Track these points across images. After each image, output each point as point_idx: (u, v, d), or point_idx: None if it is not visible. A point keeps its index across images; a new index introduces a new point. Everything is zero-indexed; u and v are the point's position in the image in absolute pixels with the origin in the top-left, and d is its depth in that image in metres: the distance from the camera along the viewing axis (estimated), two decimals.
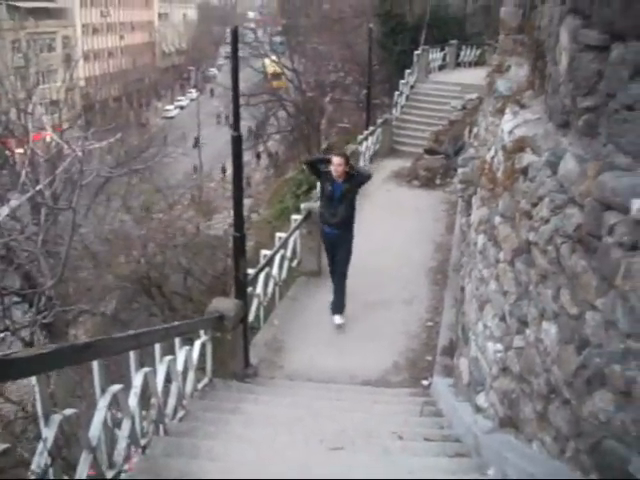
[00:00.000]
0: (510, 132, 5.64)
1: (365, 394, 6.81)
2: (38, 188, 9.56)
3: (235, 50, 5.94)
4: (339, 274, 8.71)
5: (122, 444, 3.62)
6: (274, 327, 8.66)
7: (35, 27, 52.84)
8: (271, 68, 44.61)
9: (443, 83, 22.35)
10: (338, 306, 8.75)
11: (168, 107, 70.65)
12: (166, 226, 13.16)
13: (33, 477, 2.49)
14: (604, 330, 3.35)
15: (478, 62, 25.08)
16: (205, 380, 6.33)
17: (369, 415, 5.75)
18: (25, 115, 20.91)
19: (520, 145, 5.26)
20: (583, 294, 3.60)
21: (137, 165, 16.57)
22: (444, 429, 5.44)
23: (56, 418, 2.71)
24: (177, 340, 5.27)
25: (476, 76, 17.19)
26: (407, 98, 22.36)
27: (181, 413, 5.24)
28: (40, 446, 2.60)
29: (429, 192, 15.02)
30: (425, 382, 7.18)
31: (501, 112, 7.07)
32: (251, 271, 7.80)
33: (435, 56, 24.72)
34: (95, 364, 3.24)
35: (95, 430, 3.16)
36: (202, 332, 6.22)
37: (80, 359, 3.14)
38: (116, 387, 3.50)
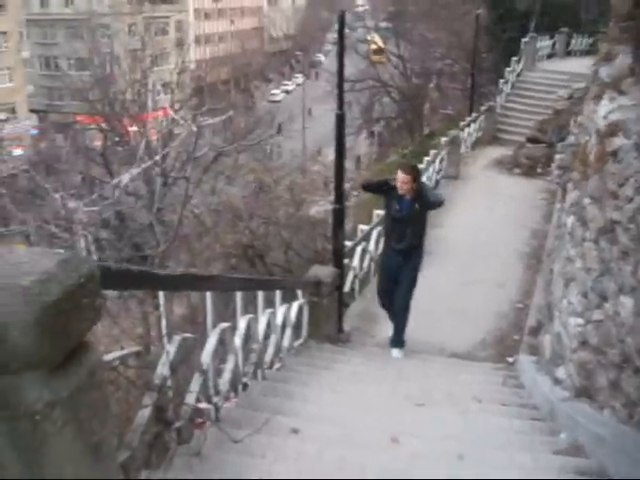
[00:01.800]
0: (605, 117, 5.79)
1: (451, 364, 7.13)
2: (156, 159, 10.31)
3: (341, 30, 6.33)
4: (400, 307, 7.39)
5: (226, 376, 4.11)
6: (367, 300, 9.06)
7: (151, 12, 54.94)
8: (374, 45, 45.05)
9: (551, 72, 22.00)
10: (397, 341, 7.50)
11: (274, 91, 71.84)
12: (270, 200, 13.80)
13: (157, 381, 2.98)
14: None
15: (590, 51, 24.42)
16: (301, 340, 6.81)
17: (453, 381, 6.07)
18: (140, 95, 22.09)
19: (613, 129, 5.42)
20: None
21: (246, 142, 17.30)
22: (523, 398, 5.70)
23: (177, 338, 3.22)
24: (277, 297, 5.75)
25: (586, 65, 16.89)
26: (513, 86, 22.17)
27: (278, 365, 5.72)
28: (163, 357, 3.10)
29: (529, 180, 15.04)
30: (510, 359, 7.41)
31: (599, 98, 7.17)
32: (349, 244, 8.22)
33: (543, 44, 24.33)
34: (208, 295, 3.72)
35: (206, 356, 3.66)
36: (300, 294, 6.70)
37: (198, 287, 3.64)
38: (225, 324, 3.99)
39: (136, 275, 2.55)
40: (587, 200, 5.58)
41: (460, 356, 7.56)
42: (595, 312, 4.77)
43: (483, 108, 19.86)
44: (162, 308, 3.12)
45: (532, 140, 16.56)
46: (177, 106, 24.12)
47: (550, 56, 25.02)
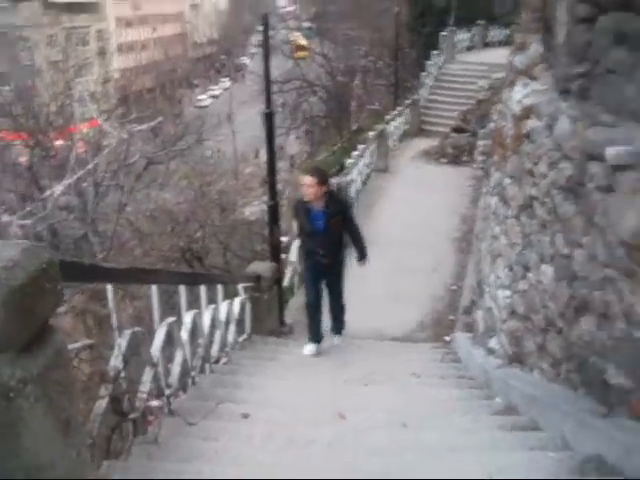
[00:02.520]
0: (519, 101, 6.14)
1: (391, 347, 7.42)
2: (88, 167, 10.30)
3: (266, 32, 6.53)
4: (338, 307, 7.18)
5: (176, 369, 4.25)
6: None
7: (71, 22, 53.95)
8: (297, 42, 45.77)
9: (470, 63, 22.70)
10: (337, 328, 7.32)
11: (201, 97, 71.41)
12: (205, 204, 13.91)
13: (111, 373, 3.12)
14: (588, 263, 3.89)
15: (507, 42, 25.28)
16: (244, 335, 6.97)
17: (393, 362, 6.34)
18: (64, 107, 21.74)
19: (527, 113, 5.77)
20: (572, 235, 4.14)
21: (177, 148, 17.30)
22: (460, 371, 6.01)
23: (127, 332, 3.35)
24: (220, 293, 5.91)
25: (503, 56, 17.50)
26: (435, 79, 22.77)
27: (224, 359, 5.87)
28: (116, 350, 3.23)
29: (456, 169, 15.54)
30: (447, 338, 7.75)
31: (513, 84, 7.56)
32: (285, 239, 8.41)
33: (462, 37, 25.05)
34: (154, 290, 3.86)
35: (156, 350, 3.80)
36: (241, 291, 6.86)
37: (144, 279, 3.78)
38: (171, 319, 4.14)
39: (87, 268, 2.69)
40: (507, 180, 5.93)
41: (399, 339, 7.86)
42: (520, 283, 5.10)
43: (408, 102, 20.36)
44: (111, 303, 3.25)
45: (456, 130, 17.10)
46: (104, 116, 23.86)
47: (469, 48, 25.77)
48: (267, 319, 7.50)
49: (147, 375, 3.70)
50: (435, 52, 23.28)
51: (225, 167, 21.45)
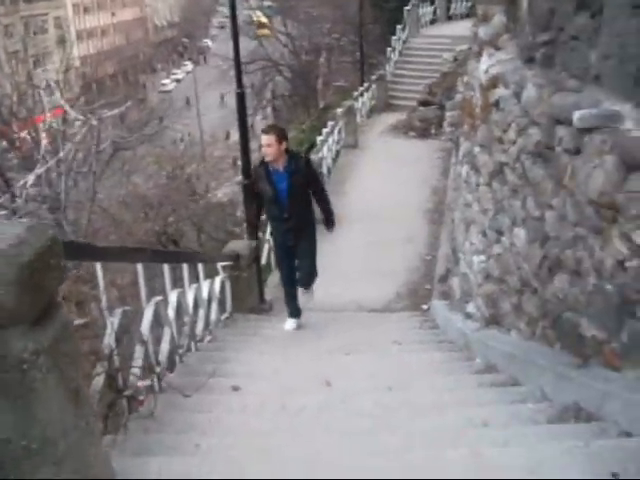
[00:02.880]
0: (486, 71, 6.27)
1: (370, 318, 7.58)
2: (59, 156, 10.26)
3: (233, 11, 6.57)
4: (309, 276, 6.76)
5: (164, 347, 4.35)
6: None
7: (28, 10, 52.97)
8: (258, 20, 45.63)
9: (434, 37, 22.81)
10: (308, 282, 6.87)
11: (165, 81, 70.71)
12: (178, 187, 13.95)
13: (106, 351, 3.21)
14: (558, 224, 4.04)
15: (470, 14, 25.37)
16: (226, 314, 7.07)
17: (373, 332, 6.50)
18: (26, 97, 21.44)
19: (494, 82, 5.91)
20: (543, 198, 4.29)
21: (146, 133, 17.25)
22: (439, 336, 6.18)
23: (118, 310, 3.45)
24: (201, 273, 6.00)
25: (466, 28, 17.66)
26: (400, 54, 22.85)
27: (208, 338, 5.97)
28: (108, 328, 3.32)
29: (425, 141, 15.71)
30: (424, 306, 7.92)
31: (479, 55, 7.69)
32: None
33: (425, 10, 25.14)
34: (140, 269, 3.94)
35: (145, 328, 3.89)
36: (221, 270, 6.96)
37: (129, 258, 3.86)
38: (158, 297, 4.23)
39: (78, 246, 2.77)
40: (477, 149, 6.07)
41: (378, 310, 8.02)
42: (494, 247, 5.26)
43: (374, 77, 20.45)
44: (101, 282, 3.33)
45: (423, 103, 17.26)
46: (68, 105, 23.54)
47: (433, 22, 25.87)
48: (247, 297, 7.60)
49: (138, 353, 3.79)
50: (399, 27, 23.31)
51: (194, 150, 21.40)
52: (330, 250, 9.50)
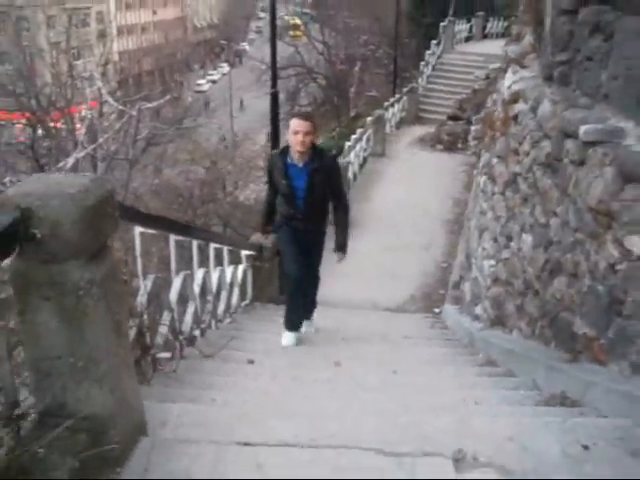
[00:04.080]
0: (509, 87, 6.60)
1: (385, 316, 7.90)
2: (99, 142, 10.71)
3: (273, 12, 6.95)
4: (313, 279, 5.98)
5: (188, 318, 4.71)
6: None
7: (73, 3, 53.88)
8: (291, 21, 46.35)
9: (468, 54, 23.11)
10: (310, 310, 6.17)
11: (200, 81, 71.35)
12: (209, 182, 14.37)
13: (138, 309, 3.57)
14: (561, 229, 4.35)
15: (505, 34, 25.64)
16: (247, 301, 7.42)
17: (386, 326, 6.82)
18: (66, 88, 22.05)
19: (515, 97, 6.23)
20: (549, 206, 4.60)
21: (183, 126, 17.72)
22: (448, 335, 6.49)
23: (151, 276, 3.81)
24: (225, 257, 6.36)
25: (500, 47, 17.99)
26: (433, 68, 23.19)
27: (228, 320, 6.32)
28: (142, 289, 3.68)
29: (451, 155, 16.02)
30: (437, 310, 8.23)
31: (505, 72, 8.01)
32: None
33: (461, 27, 25.45)
34: (172, 243, 4.29)
35: (173, 295, 4.25)
36: (244, 259, 7.31)
37: (164, 227, 4.20)
38: (186, 272, 4.59)
39: (123, 207, 3.12)
40: (495, 160, 6.39)
41: (392, 310, 8.34)
42: (504, 252, 5.57)
43: (405, 89, 20.81)
44: (138, 246, 3.69)
45: (452, 118, 17.58)
46: (110, 96, 24.10)
47: (468, 39, 26.17)
48: (267, 288, 7.94)
49: (165, 318, 4.14)
50: (434, 42, 23.66)
51: (226, 149, 21.90)
52: (350, 251, 9.81)
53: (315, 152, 5.35)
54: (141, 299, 3.64)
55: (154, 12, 75.35)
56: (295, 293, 5.65)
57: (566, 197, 4.28)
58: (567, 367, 3.89)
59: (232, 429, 2.77)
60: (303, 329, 5.87)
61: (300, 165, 5.34)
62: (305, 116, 5.48)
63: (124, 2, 70.29)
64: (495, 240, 5.89)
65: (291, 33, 43.55)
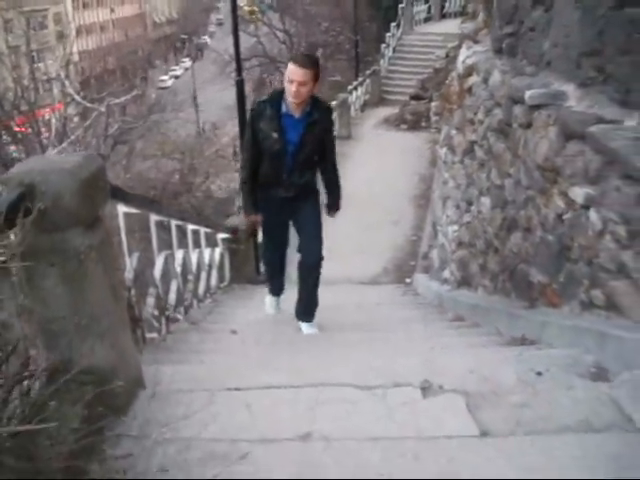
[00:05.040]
0: (463, 62, 6.93)
1: (358, 287, 8.24)
2: (71, 139, 10.89)
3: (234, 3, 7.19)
4: (312, 268, 5.14)
5: (172, 295, 4.99)
6: None
7: (30, 5, 53.27)
8: (246, 8, 46.44)
9: (428, 34, 23.45)
10: (308, 313, 5.19)
11: (163, 77, 70.94)
12: (180, 173, 14.61)
13: (126, 283, 3.84)
14: (514, 189, 4.69)
15: (463, 13, 25.98)
16: (225, 283, 7.71)
17: (360, 296, 7.15)
18: (29, 91, 22.04)
19: (469, 71, 6.57)
20: (503, 168, 4.94)
21: (149, 121, 17.91)
22: (419, 300, 6.84)
23: (135, 254, 4.08)
24: (203, 240, 6.63)
25: (459, 26, 18.38)
26: (394, 50, 23.50)
27: (209, 300, 6.61)
28: (128, 266, 3.95)
29: (415, 134, 16.39)
30: (408, 280, 8.58)
31: (460, 48, 8.36)
32: None
33: (420, 8, 25.77)
34: (152, 223, 4.56)
35: (157, 272, 4.53)
36: (220, 242, 7.59)
37: (145, 206, 4.45)
38: (167, 252, 4.87)
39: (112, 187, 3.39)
40: (454, 131, 6.72)
41: (366, 283, 8.67)
42: (465, 216, 5.91)
43: (368, 72, 21.12)
44: (122, 224, 3.95)
45: (415, 97, 17.95)
46: (72, 97, 24.08)
47: (427, 19, 26.48)
48: (244, 269, 8.23)
49: (151, 294, 4.42)
50: (393, 24, 23.97)
51: (194, 141, 22.10)
52: (324, 230, 10.11)
53: (314, 102, 4.61)
54: (128, 275, 3.91)
55: (112, 10, 74.67)
56: (270, 275, 5.62)
57: (517, 158, 4.62)
58: (525, 313, 4.23)
59: (222, 381, 3.06)
60: (304, 329, 5.05)
61: (296, 116, 4.55)
62: (302, 61, 4.42)
63: (81, 2, 69.55)
64: (457, 206, 6.23)
65: (247, 18, 43.47)
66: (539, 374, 3.08)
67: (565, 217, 3.86)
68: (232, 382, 3.00)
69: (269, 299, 5.72)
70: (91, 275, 2.47)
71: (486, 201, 5.32)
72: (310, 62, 4.45)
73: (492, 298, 5.02)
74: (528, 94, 4.38)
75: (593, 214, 3.48)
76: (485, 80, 5.66)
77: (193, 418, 2.68)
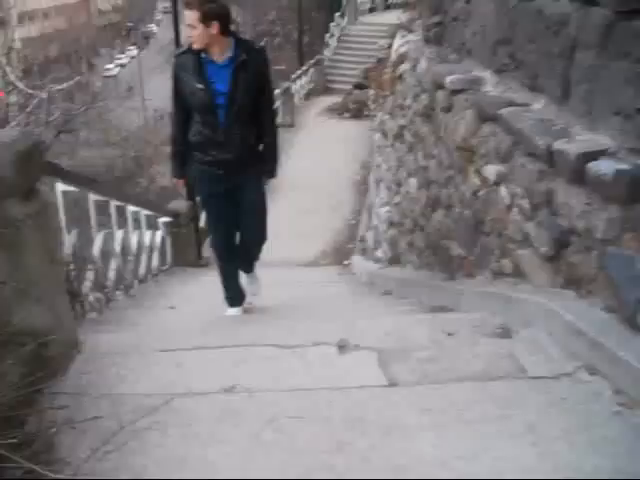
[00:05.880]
0: (396, 50, 7.21)
1: (296, 269, 8.49)
2: (12, 125, 10.85)
3: None
4: (256, 245, 4.89)
5: (112, 274, 5.16)
6: None
7: None
8: None
9: (372, 24, 23.78)
10: (249, 266, 5.08)
11: (109, 66, 69.76)
12: (123, 161, 14.66)
13: (67, 259, 4.01)
14: (437, 169, 4.99)
15: (407, 4, 26.30)
16: (167, 266, 7.88)
17: (298, 277, 7.40)
18: None
19: (401, 59, 6.85)
20: (428, 150, 5.23)
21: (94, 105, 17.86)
22: (354, 281, 7.12)
23: (74, 231, 4.25)
24: (143, 222, 6.79)
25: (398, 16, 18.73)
26: (339, 40, 23.80)
27: (151, 281, 6.78)
28: (67, 243, 4.12)
29: (358, 122, 16.73)
30: (346, 262, 8.87)
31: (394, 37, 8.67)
32: None
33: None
34: (91, 201, 4.72)
35: (95, 251, 4.70)
36: (161, 226, 7.75)
37: (83, 183, 4.61)
38: (105, 231, 5.03)
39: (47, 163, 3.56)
40: (386, 117, 7.01)
41: (305, 265, 8.94)
42: (395, 197, 6.20)
43: (312, 62, 21.37)
44: (60, 202, 4.11)
45: (358, 87, 18.28)
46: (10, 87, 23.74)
47: (372, 10, 26.84)
48: (186, 252, 8.41)
49: (90, 273, 4.59)
50: (337, 14, 24.23)
51: (139, 131, 22.07)
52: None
53: (239, 43, 4.16)
54: (67, 251, 4.07)
55: None
56: (224, 261, 4.84)
57: (439, 140, 4.91)
58: (446, 284, 4.54)
59: (155, 344, 3.28)
60: (246, 287, 5.00)
61: (220, 62, 4.11)
62: (188, 1, 4.03)
63: None
64: (389, 188, 6.52)
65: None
66: (450, 335, 3.37)
67: (480, 194, 4.15)
68: (165, 345, 3.21)
69: (230, 312, 4.80)
70: (28, 242, 2.65)
71: (413, 182, 5.61)
72: (196, 2, 3.95)
73: (418, 273, 5.32)
74: (448, 79, 4.67)
75: (503, 190, 3.78)
76: (414, 67, 5.95)
77: (126, 378, 2.89)
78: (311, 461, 2.20)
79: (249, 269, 5.02)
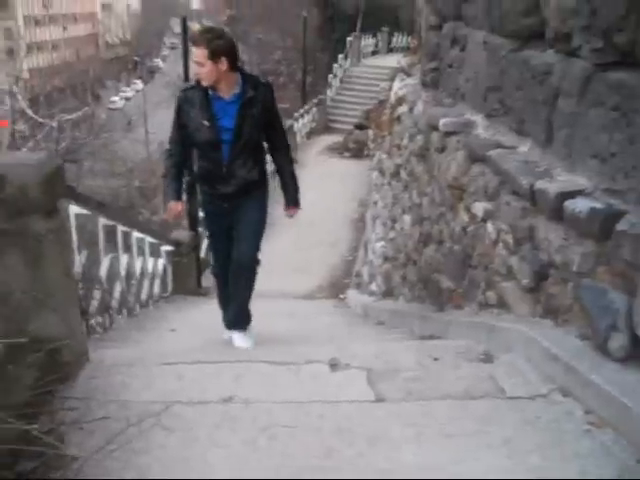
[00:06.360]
0: (395, 93, 7.53)
1: (292, 300, 8.70)
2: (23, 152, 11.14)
3: (185, 31, 7.69)
4: (247, 267, 4.64)
5: (116, 295, 5.38)
6: None
7: None
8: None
9: (374, 67, 24.36)
10: (240, 320, 4.78)
11: (114, 98, 70.62)
12: (127, 190, 14.99)
13: (77, 278, 4.23)
14: (430, 206, 5.24)
15: (409, 48, 26.95)
16: (167, 293, 8.09)
17: (292, 308, 7.62)
18: None
19: (400, 101, 7.16)
20: (422, 188, 5.49)
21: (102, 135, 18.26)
22: (348, 313, 7.34)
23: (85, 251, 4.48)
24: (147, 248, 7.02)
25: (398, 60, 19.24)
26: (341, 81, 24.36)
27: (152, 307, 6.99)
28: (77, 262, 4.35)
29: (358, 161, 17.14)
30: (342, 296, 9.09)
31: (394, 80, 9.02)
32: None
33: (367, 42, 26.77)
34: (100, 226, 4.95)
35: (102, 272, 4.93)
36: (163, 254, 7.98)
37: (92, 207, 4.83)
38: (112, 255, 5.26)
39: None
40: (384, 156, 7.31)
41: (302, 298, 9.15)
42: (390, 233, 6.46)
43: (314, 101, 21.85)
44: (73, 222, 4.34)
45: (359, 127, 18.73)
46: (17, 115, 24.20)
47: (374, 53, 27.49)
48: (186, 281, 8.61)
49: (96, 293, 4.81)
50: (341, 56, 24.81)
51: (143, 163, 22.47)
52: (264, 250, 10.57)
53: (246, 79, 4.19)
54: (77, 270, 4.30)
55: (64, 28, 74.37)
56: (223, 283, 4.81)
57: (433, 179, 5.18)
58: (435, 315, 4.76)
59: (157, 359, 3.49)
60: (237, 341, 4.58)
61: (227, 98, 4.14)
62: (195, 39, 4.11)
63: (33, 19, 69.09)
64: (385, 224, 6.78)
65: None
66: (435, 359, 3.59)
67: (468, 229, 4.40)
68: (166, 359, 3.43)
69: (237, 337, 4.62)
70: (48, 255, 2.88)
71: (407, 218, 5.87)
72: (203, 39, 4.00)
73: (409, 305, 5.54)
74: (442, 122, 4.95)
75: (490, 225, 4.02)
76: (411, 109, 6.24)
77: (131, 385, 3.10)
78: (302, 464, 2.40)
79: (241, 320, 4.74)
